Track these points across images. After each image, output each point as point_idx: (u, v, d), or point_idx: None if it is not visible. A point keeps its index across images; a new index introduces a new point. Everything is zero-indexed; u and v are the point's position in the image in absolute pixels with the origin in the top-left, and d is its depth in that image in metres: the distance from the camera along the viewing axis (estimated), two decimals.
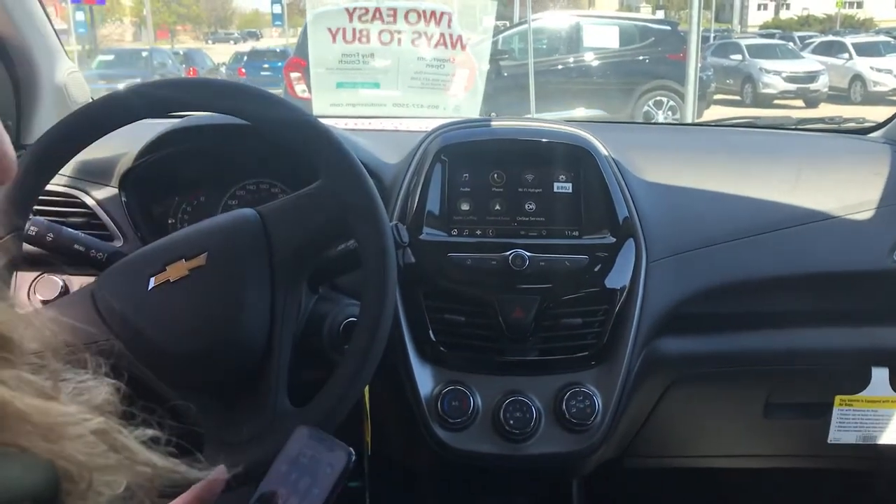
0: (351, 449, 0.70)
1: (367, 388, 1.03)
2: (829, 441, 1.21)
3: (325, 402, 0.82)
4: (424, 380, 1.07)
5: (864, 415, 1.19)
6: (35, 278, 1.10)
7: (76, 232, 0.98)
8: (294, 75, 6.00)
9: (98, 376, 0.54)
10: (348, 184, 0.84)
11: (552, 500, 1.33)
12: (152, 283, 0.84)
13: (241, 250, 0.85)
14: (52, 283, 1.09)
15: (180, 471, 0.58)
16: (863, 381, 1.17)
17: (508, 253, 1.06)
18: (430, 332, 1.07)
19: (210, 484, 0.71)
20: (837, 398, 1.19)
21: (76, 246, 0.96)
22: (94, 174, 1.17)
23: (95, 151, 1.21)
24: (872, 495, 1.49)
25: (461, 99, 1.52)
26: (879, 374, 1.16)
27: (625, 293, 1.08)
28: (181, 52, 18.84)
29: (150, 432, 0.56)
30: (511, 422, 1.03)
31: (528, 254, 1.05)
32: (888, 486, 1.46)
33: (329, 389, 0.82)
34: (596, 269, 1.08)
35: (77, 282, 1.09)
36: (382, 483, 1.22)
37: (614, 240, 1.09)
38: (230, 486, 0.73)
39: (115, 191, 1.14)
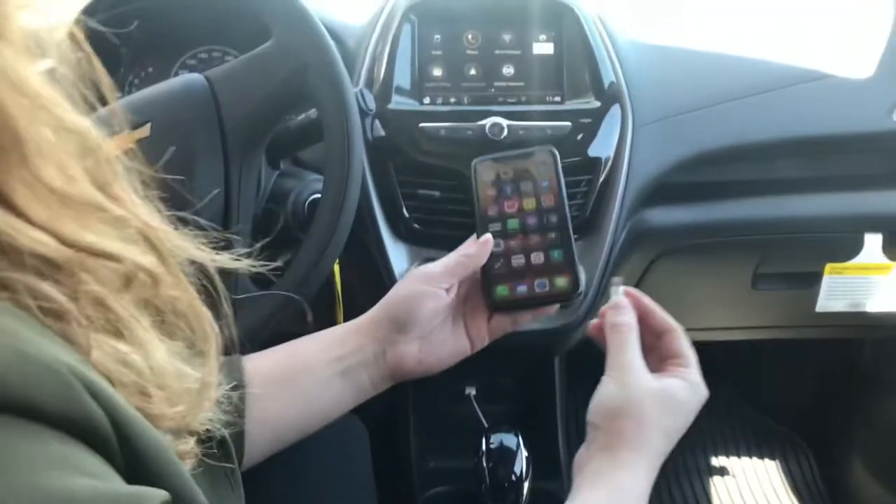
0: None
1: (337, 269, 0.97)
2: (816, 310, 1.18)
3: (289, 282, 0.76)
4: (398, 259, 1.01)
5: (854, 282, 1.15)
6: None
7: None
8: None
9: None
10: (304, 40, 0.76)
11: (534, 379, 1.31)
12: None
13: (189, 119, 0.77)
14: None
15: None
16: (855, 249, 1.13)
17: (485, 121, 0.98)
18: (403, 208, 1.00)
19: None
20: (828, 266, 1.15)
21: None
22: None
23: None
24: (858, 363, 1.49)
25: None
26: (872, 241, 1.12)
27: (609, 162, 1.01)
28: None
29: None
30: None
31: (507, 122, 0.98)
32: (874, 354, 1.45)
33: (294, 268, 0.76)
34: (579, 137, 1.00)
35: None
36: None
37: (599, 104, 1.01)
38: None
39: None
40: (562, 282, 0.70)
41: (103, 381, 0.34)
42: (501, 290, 0.70)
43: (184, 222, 0.47)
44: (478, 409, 1.19)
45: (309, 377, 0.68)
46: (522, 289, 0.70)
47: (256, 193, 0.86)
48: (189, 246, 0.46)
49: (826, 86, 1.09)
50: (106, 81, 0.44)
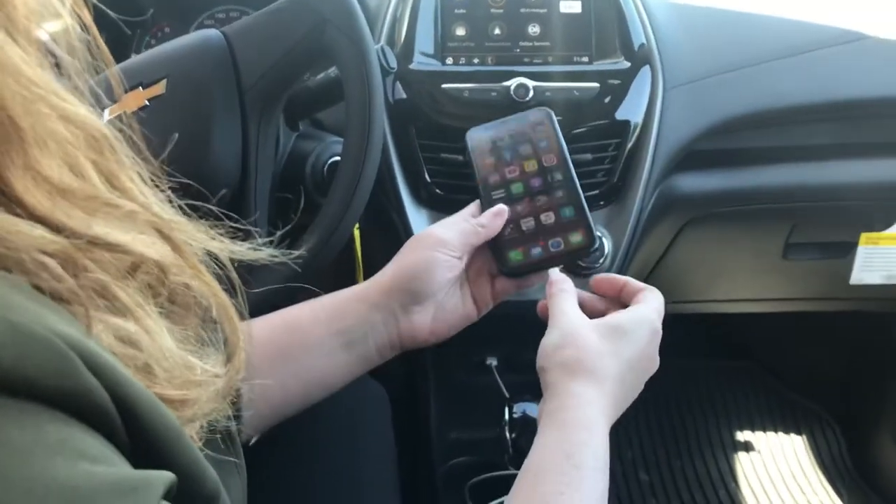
0: None
1: (358, 234, 0.95)
2: (850, 282, 1.14)
3: (308, 245, 0.74)
4: (420, 224, 0.98)
5: (890, 253, 1.12)
6: None
7: None
8: None
9: None
10: None
11: None
12: (107, 115, 0.74)
13: (205, 75, 0.75)
14: None
15: None
16: (892, 217, 1.09)
17: (510, 82, 0.95)
18: (425, 172, 0.98)
19: None
20: (863, 236, 1.11)
21: None
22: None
23: None
24: (891, 338, 1.45)
25: None
26: None
27: (639, 125, 0.98)
28: None
29: None
30: None
31: (532, 83, 0.95)
32: None
33: (313, 231, 0.74)
34: (607, 100, 0.97)
35: None
36: None
37: (629, 65, 0.98)
38: None
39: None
40: (576, 237, 0.68)
41: (105, 354, 0.32)
42: (515, 256, 0.69)
43: (195, 210, 0.45)
44: (499, 380, 1.17)
45: (308, 354, 0.66)
46: (537, 251, 0.69)
47: (275, 155, 0.83)
48: (204, 236, 0.44)
49: (864, 47, 1.05)
50: (112, 71, 0.43)
